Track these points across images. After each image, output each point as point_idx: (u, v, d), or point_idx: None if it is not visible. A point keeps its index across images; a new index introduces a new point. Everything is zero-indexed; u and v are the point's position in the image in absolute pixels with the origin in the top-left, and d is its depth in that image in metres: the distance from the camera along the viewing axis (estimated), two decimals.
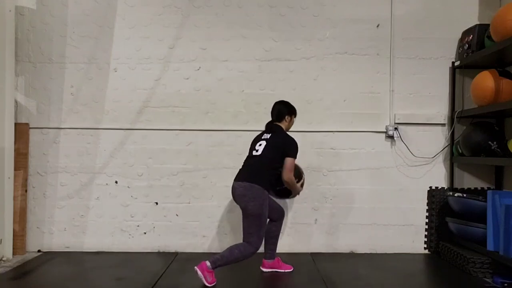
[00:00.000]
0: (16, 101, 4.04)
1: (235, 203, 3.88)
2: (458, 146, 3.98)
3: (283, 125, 3.38)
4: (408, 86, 4.15)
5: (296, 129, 4.09)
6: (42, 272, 3.47)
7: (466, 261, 3.45)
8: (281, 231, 4.03)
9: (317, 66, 4.14)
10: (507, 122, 3.97)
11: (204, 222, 4.10)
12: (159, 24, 4.12)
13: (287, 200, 4.08)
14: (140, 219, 4.11)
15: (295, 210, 4.10)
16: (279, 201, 3.64)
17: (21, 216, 3.97)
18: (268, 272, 3.48)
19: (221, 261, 3.11)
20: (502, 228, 3.23)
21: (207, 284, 3.10)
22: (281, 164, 3.21)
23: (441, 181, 4.13)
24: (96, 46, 4.12)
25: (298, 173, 3.39)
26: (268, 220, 3.39)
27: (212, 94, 4.11)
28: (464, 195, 3.70)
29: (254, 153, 3.27)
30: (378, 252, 4.10)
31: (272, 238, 3.47)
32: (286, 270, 3.47)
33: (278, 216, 3.46)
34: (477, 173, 4.13)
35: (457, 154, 4.02)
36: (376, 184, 4.13)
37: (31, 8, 4.10)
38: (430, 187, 4.13)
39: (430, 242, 4.09)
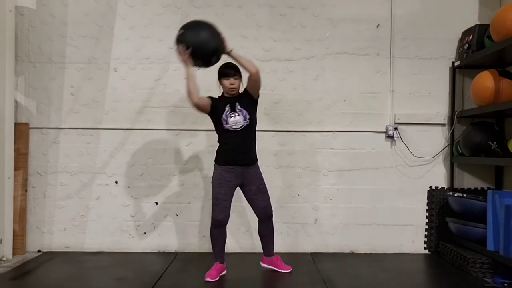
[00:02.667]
0: (16, 101, 4.04)
1: (238, 203, 3.88)
2: (458, 146, 3.98)
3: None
4: (408, 86, 4.14)
5: (296, 129, 4.10)
6: (42, 272, 3.47)
7: (466, 261, 3.45)
8: (281, 231, 4.05)
9: (317, 66, 4.13)
10: (507, 122, 3.97)
11: (204, 222, 4.10)
12: (159, 24, 4.12)
13: (286, 200, 4.09)
14: (140, 219, 4.11)
15: (295, 210, 4.10)
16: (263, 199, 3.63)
17: (21, 216, 3.97)
18: (267, 269, 3.47)
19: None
20: (502, 228, 3.23)
21: (285, 271, 3.42)
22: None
23: (441, 181, 4.13)
24: (96, 46, 4.12)
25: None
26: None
27: (212, 94, 4.09)
28: (464, 195, 3.70)
29: None
30: (378, 252, 4.10)
31: (262, 237, 3.46)
32: (284, 270, 3.45)
33: (259, 214, 3.38)
34: (477, 173, 4.13)
35: (457, 154, 4.02)
36: (376, 184, 4.12)
37: (31, 8, 4.10)
38: (430, 187, 4.13)
39: (430, 242, 4.09)
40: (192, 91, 3.17)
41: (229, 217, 3.29)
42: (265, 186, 3.37)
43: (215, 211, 3.25)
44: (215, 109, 3.28)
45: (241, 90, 3.35)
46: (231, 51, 3.13)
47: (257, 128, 3.92)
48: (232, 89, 3.26)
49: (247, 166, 3.28)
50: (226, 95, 3.34)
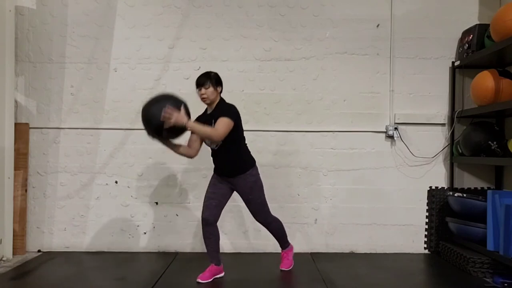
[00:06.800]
0: (16, 101, 4.04)
1: (235, 203, 3.90)
2: (458, 146, 3.98)
3: None
4: (408, 86, 4.15)
5: (296, 129, 4.10)
6: (42, 272, 3.47)
7: (466, 261, 3.45)
8: None
9: (317, 66, 4.13)
10: (507, 122, 3.97)
11: None
12: (159, 24, 4.12)
13: (286, 200, 4.09)
14: (140, 219, 4.11)
15: (295, 210, 4.11)
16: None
17: (21, 216, 3.97)
18: (265, 269, 3.50)
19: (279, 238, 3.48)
20: (502, 228, 3.23)
21: (282, 268, 3.47)
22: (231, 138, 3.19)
23: (441, 181, 4.13)
24: (96, 46, 4.12)
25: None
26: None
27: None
28: (464, 195, 3.71)
29: None
30: (378, 252, 4.10)
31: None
32: (281, 267, 3.48)
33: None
34: (477, 173, 4.13)
35: (457, 154, 4.02)
36: (376, 184, 4.12)
37: (31, 8, 4.10)
38: (430, 187, 4.13)
39: (430, 242, 4.09)
40: (184, 154, 3.23)
41: (216, 216, 3.22)
42: (256, 197, 3.25)
43: (202, 209, 3.25)
44: None
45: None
46: (186, 124, 2.98)
47: (257, 128, 3.94)
48: (203, 99, 3.20)
49: (232, 177, 3.25)
50: (206, 107, 3.30)
